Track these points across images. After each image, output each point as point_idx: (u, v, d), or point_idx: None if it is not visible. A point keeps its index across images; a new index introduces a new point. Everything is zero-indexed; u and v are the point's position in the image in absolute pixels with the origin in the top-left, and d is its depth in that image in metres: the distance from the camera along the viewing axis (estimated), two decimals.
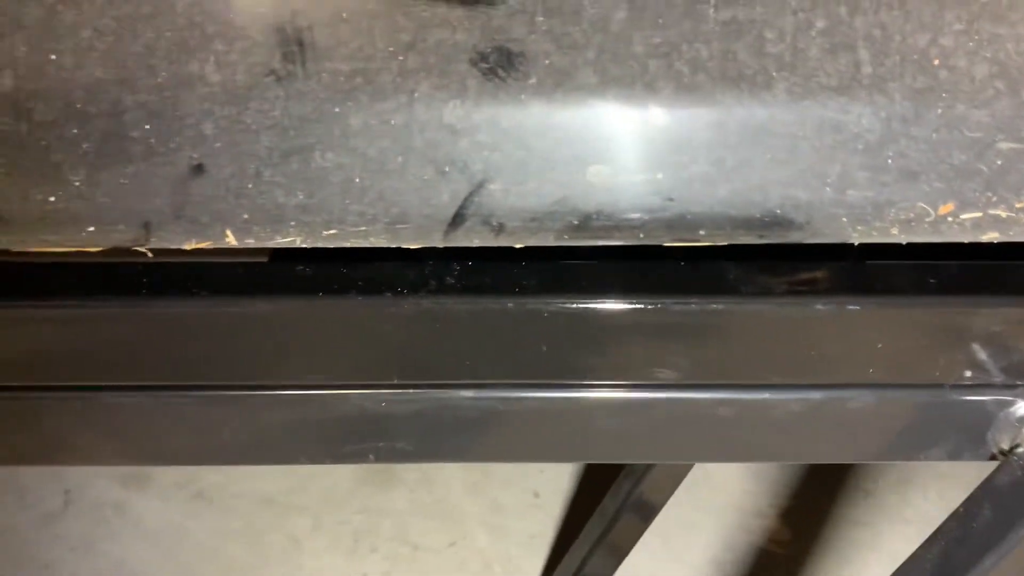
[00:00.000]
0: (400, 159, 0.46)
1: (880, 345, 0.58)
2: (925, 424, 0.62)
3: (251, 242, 0.47)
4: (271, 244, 0.48)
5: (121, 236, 0.47)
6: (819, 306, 0.57)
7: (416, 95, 0.45)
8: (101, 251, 0.49)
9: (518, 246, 0.49)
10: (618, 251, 0.57)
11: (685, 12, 0.45)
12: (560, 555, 1.45)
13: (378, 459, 0.62)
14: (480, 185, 0.46)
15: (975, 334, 0.58)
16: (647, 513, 1.28)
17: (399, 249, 0.49)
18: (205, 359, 0.59)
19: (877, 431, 0.62)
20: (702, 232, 0.48)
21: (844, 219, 0.47)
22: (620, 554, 1.33)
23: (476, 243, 0.48)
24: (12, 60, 0.44)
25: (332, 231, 0.47)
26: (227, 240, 0.47)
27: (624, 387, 0.60)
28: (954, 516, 0.60)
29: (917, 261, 0.58)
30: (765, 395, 0.60)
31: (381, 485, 1.64)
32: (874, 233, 0.48)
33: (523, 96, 0.45)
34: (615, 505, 1.27)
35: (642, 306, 0.57)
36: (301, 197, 0.46)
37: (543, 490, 1.64)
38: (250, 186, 0.46)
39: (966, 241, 0.49)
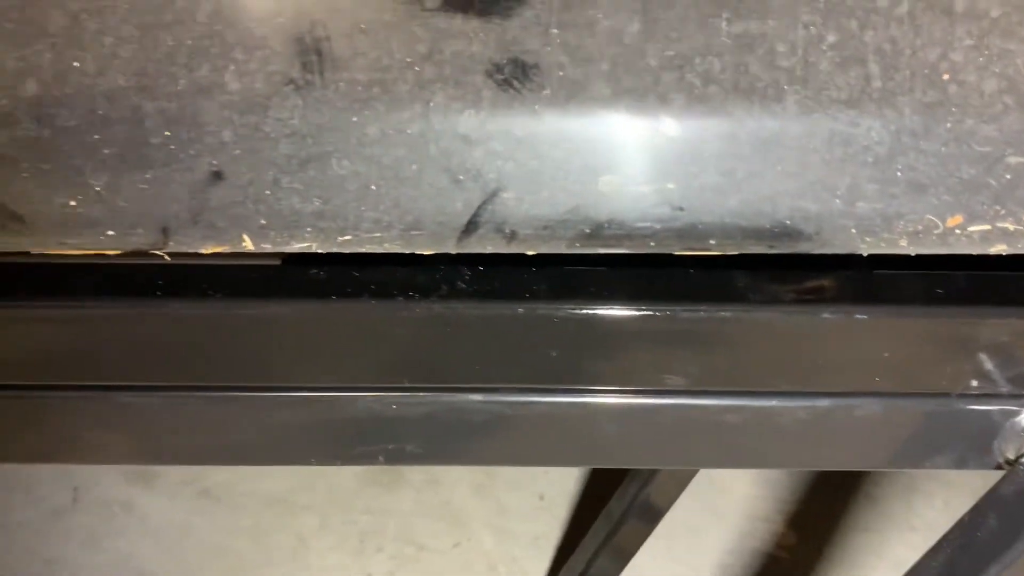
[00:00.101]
0: (415, 167, 0.46)
1: (887, 354, 0.58)
2: (931, 433, 0.62)
3: (267, 247, 0.48)
4: (287, 249, 0.48)
5: (140, 240, 0.48)
6: (827, 314, 0.57)
7: (432, 105, 0.46)
8: (118, 254, 0.49)
9: (530, 253, 0.49)
10: (627, 258, 0.57)
11: (698, 25, 0.45)
12: (565, 557, 1.46)
13: (388, 461, 0.62)
14: (494, 193, 0.47)
15: (982, 344, 0.58)
16: (652, 516, 1.29)
17: (411, 254, 0.50)
18: (218, 360, 0.59)
19: (884, 439, 0.63)
20: (712, 242, 0.48)
21: (853, 230, 0.48)
22: (625, 557, 1.34)
23: (489, 250, 0.49)
24: (36, 67, 0.45)
25: (347, 237, 0.48)
26: (244, 245, 0.47)
27: (632, 393, 0.60)
28: (960, 525, 0.60)
29: (924, 271, 0.58)
30: (773, 402, 0.60)
31: (387, 486, 1.65)
32: (883, 244, 0.49)
33: (537, 107, 0.46)
34: (621, 508, 1.28)
35: (651, 313, 0.57)
36: (317, 203, 0.47)
37: (548, 492, 1.65)
38: (268, 192, 0.46)
39: (974, 253, 0.49)
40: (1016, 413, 0.60)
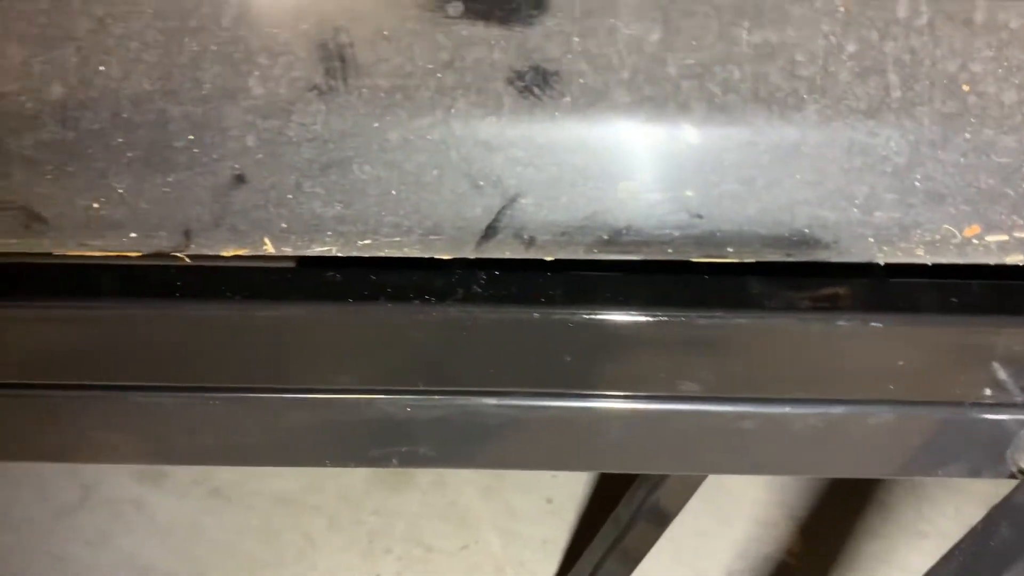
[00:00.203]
0: (436, 173, 0.47)
1: (902, 362, 0.58)
2: (944, 441, 0.62)
3: (288, 250, 0.48)
4: (307, 252, 0.49)
5: (162, 242, 0.48)
6: (842, 322, 0.57)
7: (453, 111, 0.46)
8: (139, 256, 0.50)
9: (548, 259, 0.50)
10: (642, 263, 0.57)
11: (718, 35, 0.45)
12: (573, 561, 1.46)
13: (401, 463, 0.63)
14: (513, 199, 0.47)
15: (996, 353, 0.58)
16: (661, 521, 1.29)
17: (427, 258, 0.50)
18: (234, 362, 0.60)
19: (896, 447, 0.63)
20: (730, 249, 0.49)
21: (871, 239, 0.48)
22: (633, 561, 1.34)
23: (507, 256, 0.49)
24: (62, 70, 0.45)
25: (367, 241, 0.48)
26: (265, 248, 0.48)
27: (646, 398, 0.61)
28: (972, 533, 0.60)
29: (940, 280, 0.58)
30: (786, 409, 0.60)
31: (396, 487, 1.65)
32: (900, 253, 0.49)
33: (557, 114, 0.46)
34: (629, 512, 1.28)
35: (666, 318, 0.57)
36: (339, 208, 0.47)
37: (557, 496, 1.65)
38: (289, 196, 0.47)
39: (991, 263, 0.49)
40: None
